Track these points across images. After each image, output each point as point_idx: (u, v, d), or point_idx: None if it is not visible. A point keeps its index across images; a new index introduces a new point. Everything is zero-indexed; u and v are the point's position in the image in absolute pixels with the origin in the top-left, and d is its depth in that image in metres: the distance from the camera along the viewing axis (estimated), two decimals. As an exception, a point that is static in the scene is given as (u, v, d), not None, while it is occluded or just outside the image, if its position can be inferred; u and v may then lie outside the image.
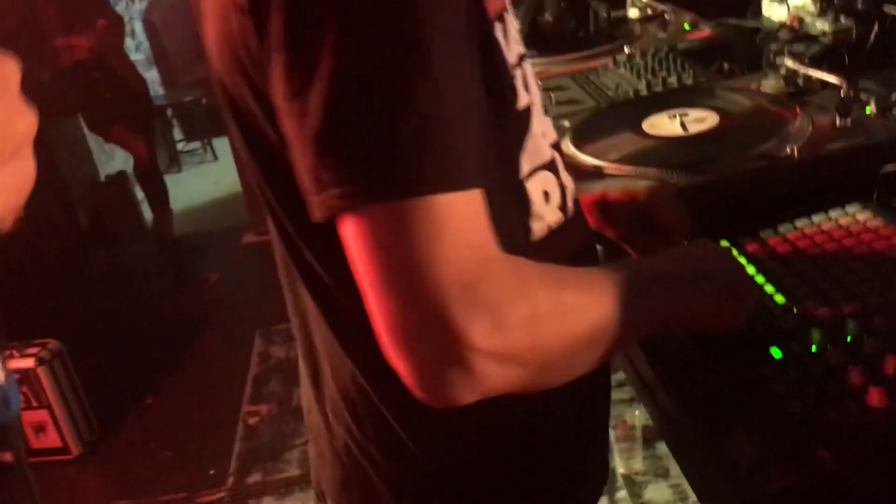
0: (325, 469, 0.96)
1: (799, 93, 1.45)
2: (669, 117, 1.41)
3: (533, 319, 0.69)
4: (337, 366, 0.87)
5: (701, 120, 1.39)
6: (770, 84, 1.49)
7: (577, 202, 0.92)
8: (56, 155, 4.36)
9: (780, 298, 1.01)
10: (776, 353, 0.92)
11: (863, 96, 1.38)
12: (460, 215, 0.67)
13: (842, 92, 1.33)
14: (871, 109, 1.34)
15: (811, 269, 1.05)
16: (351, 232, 0.67)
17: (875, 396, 0.82)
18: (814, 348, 0.91)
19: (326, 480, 0.96)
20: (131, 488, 2.86)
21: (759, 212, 1.19)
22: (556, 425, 0.90)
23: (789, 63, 1.47)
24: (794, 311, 0.97)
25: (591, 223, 1.10)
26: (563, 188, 0.89)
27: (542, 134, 0.85)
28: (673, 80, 1.67)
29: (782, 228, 1.15)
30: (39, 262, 3.87)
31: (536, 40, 1.97)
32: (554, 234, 0.87)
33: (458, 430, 0.84)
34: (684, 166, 1.25)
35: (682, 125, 1.38)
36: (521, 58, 0.83)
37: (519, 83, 0.81)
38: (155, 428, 3.18)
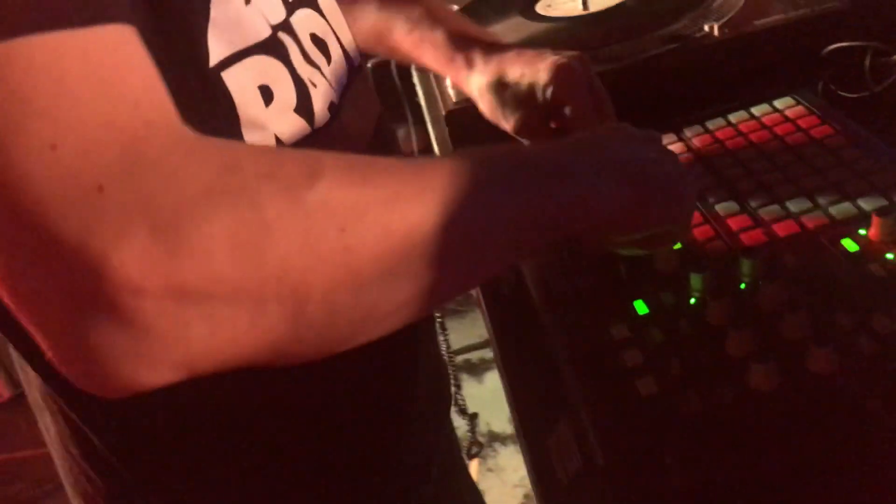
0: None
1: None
2: (572, -7, 1.12)
3: (248, 235, 0.39)
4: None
5: (609, -6, 1.10)
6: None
7: (348, 108, 0.66)
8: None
9: (664, 227, 0.75)
10: (640, 307, 0.67)
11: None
12: (101, 61, 0.39)
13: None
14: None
15: (713, 186, 0.78)
16: None
17: (757, 377, 0.56)
18: (692, 300, 0.66)
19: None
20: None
21: (671, 107, 0.92)
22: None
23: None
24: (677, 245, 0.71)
25: (485, 111, 0.83)
26: (302, 85, 0.61)
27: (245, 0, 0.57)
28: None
29: (689, 131, 0.88)
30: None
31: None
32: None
33: (170, 431, 0.60)
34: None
35: (584, 2, 1.09)
36: None
37: None
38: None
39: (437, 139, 1.08)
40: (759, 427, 0.55)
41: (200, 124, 0.45)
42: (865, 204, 0.69)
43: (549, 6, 1.12)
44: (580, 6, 1.09)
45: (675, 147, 0.86)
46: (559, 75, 0.75)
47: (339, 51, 0.71)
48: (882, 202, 0.69)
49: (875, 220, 0.66)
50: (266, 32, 0.58)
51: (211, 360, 0.40)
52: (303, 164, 0.43)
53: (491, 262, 0.52)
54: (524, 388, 0.69)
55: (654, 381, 0.59)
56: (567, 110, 0.75)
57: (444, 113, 0.97)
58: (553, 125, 0.78)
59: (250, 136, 0.56)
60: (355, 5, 0.90)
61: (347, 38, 0.74)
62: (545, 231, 0.53)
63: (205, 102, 0.54)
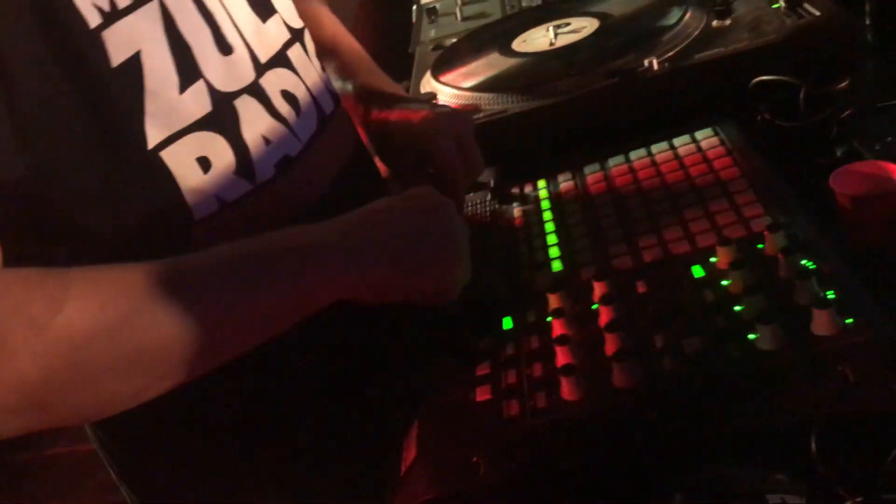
0: None
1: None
2: (547, 30, 1.19)
3: None
4: None
5: (578, 30, 1.17)
6: (685, -20, 1.24)
7: (300, 160, 0.78)
8: None
9: (554, 251, 0.83)
10: (507, 323, 0.75)
11: (783, -11, 1.12)
12: None
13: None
14: (780, 4, 1.08)
15: (608, 216, 0.85)
16: None
17: (567, 388, 0.64)
18: (548, 318, 0.73)
19: None
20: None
21: (609, 137, 0.99)
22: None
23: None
24: (544, 270, 0.78)
25: (377, 156, 0.94)
26: (243, 148, 0.74)
27: (176, 87, 0.69)
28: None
29: (612, 161, 0.94)
30: None
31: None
32: (234, 206, 0.73)
33: None
34: (520, 89, 1.05)
35: (553, 38, 1.16)
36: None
37: (115, 36, 0.65)
38: None
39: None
40: (563, 431, 0.62)
41: (143, 198, 0.66)
42: (726, 233, 0.75)
43: (524, 42, 1.20)
44: (548, 42, 1.16)
45: (595, 176, 0.92)
46: (427, 127, 0.85)
47: (310, 101, 0.83)
48: (739, 233, 0.74)
49: (719, 249, 0.71)
50: (205, 111, 0.71)
51: None
52: (49, 296, 0.56)
53: (236, 346, 0.64)
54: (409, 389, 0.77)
55: (490, 389, 0.68)
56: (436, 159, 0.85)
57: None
58: (430, 171, 0.87)
59: (193, 199, 0.70)
60: None
61: (319, 89, 0.86)
62: (299, 310, 0.65)
63: (146, 179, 0.68)
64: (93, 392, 0.58)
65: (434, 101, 1.11)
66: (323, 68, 0.88)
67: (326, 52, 0.96)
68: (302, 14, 0.87)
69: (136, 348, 0.58)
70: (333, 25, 1.02)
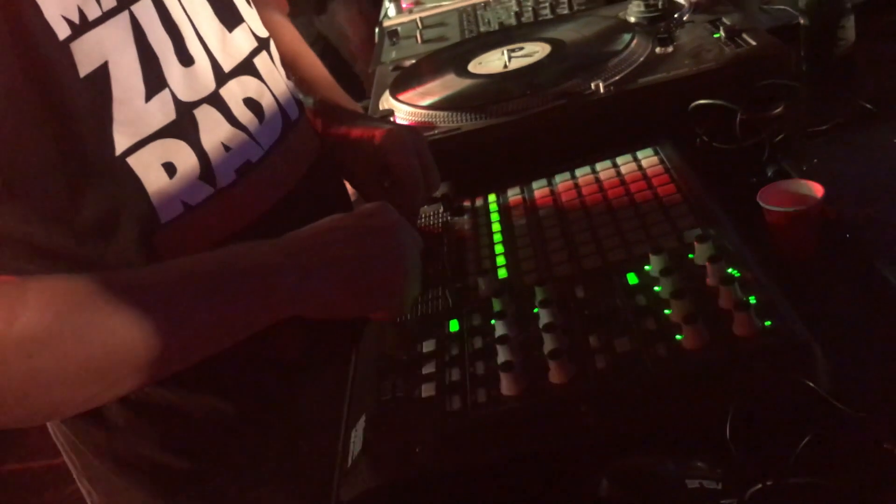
0: None
1: (660, 18, 1.26)
2: (501, 54, 1.24)
3: None
4: None
5: (530, 54, 1.22)
6: (633, 10, 1.30)
7: (261, 164, 0.81)
8: None
9: (500, 259, 0.87)
10: (454, 325, 0.79)
11: (725, 19, 1.19)
12: None
13: (678, 15, 1.14)
14: (720, 35, 1.14)
15: (552, 227, 0.89)
16: None
17: (506, 384, 0.67)
18: (492, 321, 0.77)
19: None
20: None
21: (555, 155, 1.03)
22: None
23: (649, -17, 1.27)
24: (484, 278, 0.82)
25: (339, 169, 0.97)
26: (205, 154, 0.77)
27: (142, 96, 0.72)
28: (546, 11, 1.48)
29: (559, 177, 0.99)
30: None
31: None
32: (197, 210, 0.76)
33: None
34: (474, 108, 1.09)
35: (507, 62, 1.21)
36: (114, 10, 0.71)
37: (83, 47, 0.68)
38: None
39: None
40: (502, 424, 0.66)
41: (110, 202, 0.68)
42: (661, 243, 0.79)
43: (479, 64, 1.25)
44: (503, 65, 1.21)
45: (542, 192, 0.97)
46: (386, 141, 0.89)
47: (275, 108, 0.86)
48: (672, 244, 0.79)
49: (652, 258, 0.76)
50: (169, 118, 0.74)
51: None
52: (7, 306, 0.58)
53: (185, 357, 0.66)
54: (355, 385, 0.81)
55: (434, 387, 0.71)
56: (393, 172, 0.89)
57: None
58: (386, 184, 0.91)
59: (158, 203, 0.73)
60: None
61: (285, 97, 0.89)
62: (250, 322, 0.67)
63: (113, 184, 0.71)
64: (46, 398, 0.60)
65: (391, 120, 1.15)
66: (288, 76, 0.91)
67: (286, 65, 1.00)
68: (263, 24, 0.90)
69: (88, 356, 0.60)
70: (293, 39, 1.06)
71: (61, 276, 0.63)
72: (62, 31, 0.67)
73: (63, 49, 0.67)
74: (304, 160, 0.89)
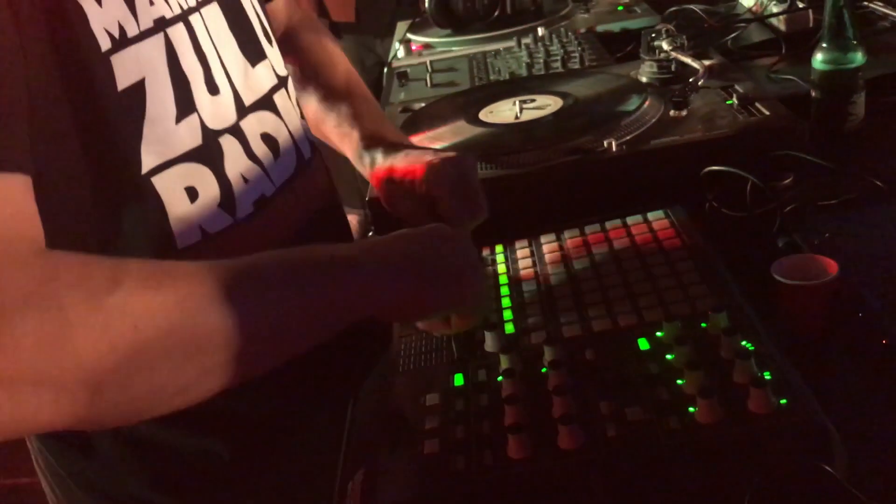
0: None
1: (671, 80, 1.27)
2: (513, 104, 1.24)
3: (52, 332, 0.51)
4: None
5: (542, 107, 1.22)
6: (645, 70, 1.31)
7: (274, 200, 0.80)
8: None
9: (507, 314, 0.85)
10: (458, 380, 0.77)
11: (738, 87, 1.20)
12: None
13: (692, 80, 1.14)
14: (733, 102, 1.15)
15: (561, 285, 0.88)
16: None
17: (514, 446, 0.66)
18: (499, 378, 0.75)
19: None
20: None
21: (565, 210, 1.03)
22: None
23: (664, 45, 1.28)
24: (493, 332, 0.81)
25: (383, 201, 0.95)
26: (227, 183, 0.76)
27: (173, 117, 0.72)
28: (557, 64, 1.49)
29: (567, 233, 0.98)
30: None
31: (451, 19, 1.82)
32: (215, 239, 0.75)
33: None
34: (484, 157, 1.09)
35: (519, 112, 1.21)
36: (151, 30, 0.71)
37: (124, 61, 0.68)
38: None
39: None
40: (508, 489, 0.64)
41: (131, 220, 0.67)
42: (673, 309, 0.78)
43: (490, 112, 1.25)
44: (514, 116, 1.21)
45: (551, 246, 0.96)
46: (429, 172, 0.87)
47: (290, 145, 0.86)
48: (685, 311, 0.78)
49: (665, 325, 0.75)
50: (196, 143, 0.73)
51: (14, 431, 0.52)
52: (108, 273, 0.55)
53: (284, 347, 0.64)
54: (352, 435, 0.78)
55: (439, 443, 0.69)
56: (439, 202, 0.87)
57: (367, 199, 1.10)
58: (435, 214, 0.89)
59: (178, 228, 0.72)
60: (303, 92, 1.05)
61: (300, 135, 0.88)
62: (335, 315, 0.65)
63: (137, 202, 0.70)
64: (146, 379, 0.55)
65: (435, 148, 1.13)
66: (302, 115, 0.90)
67: (339, 95, 1.00)
68: (316, 50, 0.90)
69: (190, 334, 0.56)
70: (347, 70, 1.05)
71: (154, 260, 0.60)
72: (105, 43, 0.67)
73: (104, 61, 0.67)
74: (313, 202, 0.89)
